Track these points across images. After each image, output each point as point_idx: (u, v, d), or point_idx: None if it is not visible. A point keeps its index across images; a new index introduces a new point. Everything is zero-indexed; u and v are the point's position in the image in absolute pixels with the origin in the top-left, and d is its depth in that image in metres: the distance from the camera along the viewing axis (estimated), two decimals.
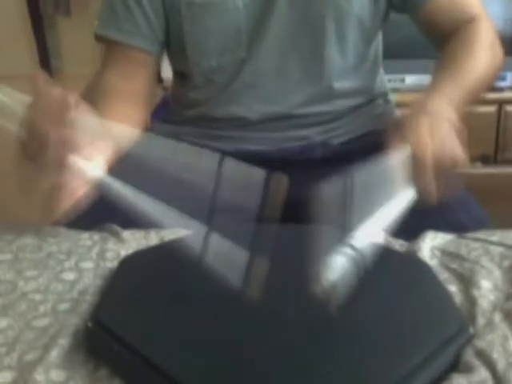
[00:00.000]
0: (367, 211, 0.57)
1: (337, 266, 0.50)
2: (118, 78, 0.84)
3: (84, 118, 0.56)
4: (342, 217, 0.58)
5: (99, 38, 0.87)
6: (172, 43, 0.87)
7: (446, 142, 0.65)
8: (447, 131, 0.66)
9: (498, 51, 0.84)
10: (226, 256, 0.53)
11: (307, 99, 0.87)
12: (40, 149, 0.54)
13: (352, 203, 0.58)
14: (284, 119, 0.88)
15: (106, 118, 0.71)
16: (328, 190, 0.59)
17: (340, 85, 0.88)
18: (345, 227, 0.57)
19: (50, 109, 0.53)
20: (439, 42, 0.85)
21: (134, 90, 0.84)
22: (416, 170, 0.63)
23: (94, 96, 0.77)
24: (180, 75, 0.93)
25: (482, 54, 0.81)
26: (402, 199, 0.61)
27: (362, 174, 0.59)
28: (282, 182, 0.55)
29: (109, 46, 0.87)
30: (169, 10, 0.84)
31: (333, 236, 0.56)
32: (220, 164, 0.57)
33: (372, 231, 0.56)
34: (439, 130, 0.66)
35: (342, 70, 0.87)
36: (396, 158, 0.63)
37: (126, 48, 0.85)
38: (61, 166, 0.54)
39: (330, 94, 0.88)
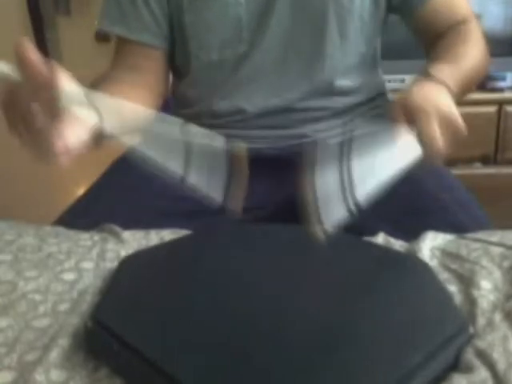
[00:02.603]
0: (368, 168, 0.59)
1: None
2: (128, 71, 0.84)
3: (67, 86, 0.54)
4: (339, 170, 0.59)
5: (100, 37, 0.88)
6: (174, 38, 0.87)
7: (451, 105, 0.66)
8: (450, 98, 0.67)
9: (486, 51, 0.86)
10: (206, 177, 0.55)
11: (306, 94, 0.88)
12: (21, 120, 0.52)
13: (350, 156, 0.59)
14: (283, 114, 0.88)
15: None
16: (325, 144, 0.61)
17: (339, 82, 0.88)
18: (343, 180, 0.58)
19: (34, 84, 0.51)
20: (430, 43, 0.87)
21: (143, 81, 0.84)
22: (422, 123, 0.62)
23: (102, 84, 0.77)
24: (180, 71, 0.94)
25: (474, 48, 0.83)
26: (406, 153, 0.61)
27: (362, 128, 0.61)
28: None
29: (117, 43, 0.88)
30: (171, 4, 0.84)
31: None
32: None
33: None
34: (443, 94, 0.67)
35: (341, 67, 0.87)
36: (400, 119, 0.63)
37: (134, 44, 0.86)
38: (48, 133, 0.52)
39: (330, 91, 0.88)
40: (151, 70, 0.87)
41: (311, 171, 0.58)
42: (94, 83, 0.78)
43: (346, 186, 0.58)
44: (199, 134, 0.63)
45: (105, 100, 0.63)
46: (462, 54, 0.80)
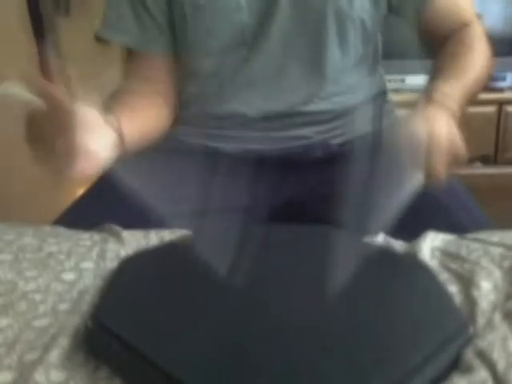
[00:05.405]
0: (382, 203, 0.62)
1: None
2: (139, 82, 0.85)
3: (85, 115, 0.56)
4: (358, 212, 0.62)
5: (102, 38, 0.89)
6: (177, 42, 0.88)
7: (454, 133, 0.68)
8: (453, 124, 0.69)
9: (489, 54, 0.86)
10: (213, 244, 0.56)
11: (307, 98, 0.87)
12: (46, 152, 0.55)
13: (370, 198, 0.62)
14: (284, 117, 0.88)
15: (131, 119, 0.72)
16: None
17: (340, 84, 0.88)
18: (361, 223, 0.62)
19: (56, 120, 0.54)
20: (434, 45, 0.88)
21: (155, 91, 0.85)
22: (427, 156, 0.65)
23: (119, 98, 0.78)
24: (182, 73, 0.94)
25: (478, 56, 0.84)
26: (410, 186, 0.64)
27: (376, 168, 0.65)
28: None
29: (127, 52, 0.89)
30: (174, 10, 0.84)
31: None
32: None
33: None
34: (447, 121, 0.68)
35: (341, 69, 0.87)
36: (405, 148, 0.66)
37: (139, 52, 0.87)
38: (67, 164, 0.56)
39: (330, 93, 0.88)
40: (160, 78, 0.87)
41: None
42: (113, 95, 0.79)
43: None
44: None
45: (125, 119, 0.67)
46: (466, 67, 0.80)
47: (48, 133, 0.54)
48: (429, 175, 0.65)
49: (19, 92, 0.52)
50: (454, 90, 0.74)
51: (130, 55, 0.89)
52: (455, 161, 0.66)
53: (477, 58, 0.83)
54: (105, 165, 0.61)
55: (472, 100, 0.79)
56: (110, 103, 0.76)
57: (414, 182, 0.64)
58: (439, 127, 0.67)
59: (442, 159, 0.65)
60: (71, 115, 0.54)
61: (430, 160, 0.65)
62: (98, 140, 0.60)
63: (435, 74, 0.80)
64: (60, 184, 0.59)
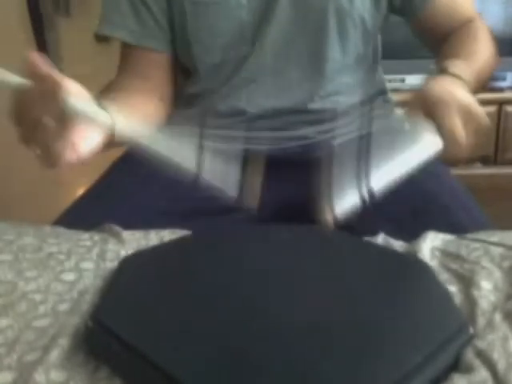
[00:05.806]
0: (385, 160, 0.61)
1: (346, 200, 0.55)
2: (133, 78, 0.85)
3: (77, 101, 0.55)
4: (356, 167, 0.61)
5: (100, 37, 0.89)
6: (177, 40, 0.88)
7: (469, 97, 0.67)
8: (466, 90, 0.69)
9: (494, 49, 0.87)
10: (219, 172, 0.55)
11: (307, 96, 0.88)
12: (32, 131, 0.54)
13: (368, 155, 0.61)
14: (284, 116, 0.88)
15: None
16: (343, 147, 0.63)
17: (339, 83, 0.88)
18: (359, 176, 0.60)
19: (44, 92, 0.52)
20: (435, 44, 0.88)
21: (148, 89, 0.85)
22: (442, 114, 0.64)
23: (111, 94, 0.78)
24: (182, 71, 0.94)
25: (485, 46, 0.85)
26: (425, 146, 0.62)
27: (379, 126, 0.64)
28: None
29: (122, 48, 0.89)
30: (173, 8, 0.84)
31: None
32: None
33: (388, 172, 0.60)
34: (459, 87, 0.69)
35: (342, 67, 0.87)
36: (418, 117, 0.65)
37: (138, 50, 0.86)
38: (56, 140, 0.54)
39: (330, 92, 0.88)
40: (157, 76, 0.87)
41: (329, 161, 0.59)
42: (104, 91, 0.79)
43: (362, 174, 0.59)
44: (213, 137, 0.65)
45: (115, 107, 0.65)
46: (475, 51, 0.81)
47: (36, 108, 0.53)
48: (447, 137, 0.63)
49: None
50: (464, 66, 0.75)
51: (125, 50, 0.88)
52: (474, 122, 0.65)
53: (483, 46, 0.84)
54: (92, 149, 0.59)
55: (481, 83, 0.79)
56: (102, 99, 0.76)
57: (432, 145, 0.62)
58: (453, 87, 0.66)
59: (458, 118, 0.64)
60: (59, 85, 0.53)
61: (446, 118, 0.63)
62: (94, 116, 0.58)
63: (446, 56, 0.80)
64: (57, 167, 0.56)
